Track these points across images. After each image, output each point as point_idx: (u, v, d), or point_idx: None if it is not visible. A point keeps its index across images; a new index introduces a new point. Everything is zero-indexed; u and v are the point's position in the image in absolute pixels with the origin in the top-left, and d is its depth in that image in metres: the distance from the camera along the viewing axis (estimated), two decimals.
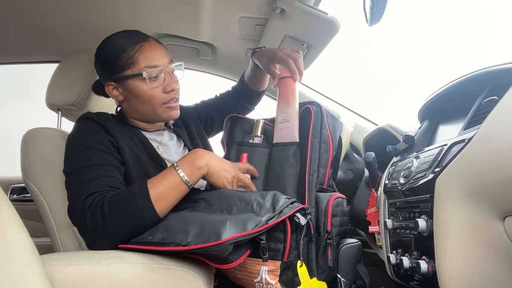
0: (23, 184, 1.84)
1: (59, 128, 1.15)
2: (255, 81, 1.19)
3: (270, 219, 0.71)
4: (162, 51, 0.96)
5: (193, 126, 1.17)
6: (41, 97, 1.12)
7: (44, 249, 0.66)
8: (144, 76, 0.91)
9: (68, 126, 1.15)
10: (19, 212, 0.48)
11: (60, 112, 1.14)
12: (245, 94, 1.23)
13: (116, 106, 1.06)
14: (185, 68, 1.02)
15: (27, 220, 1.65)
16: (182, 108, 1.17)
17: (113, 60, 0.94)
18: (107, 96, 1.00)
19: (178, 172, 0.81)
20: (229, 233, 0.66)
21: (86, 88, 1.07)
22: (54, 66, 1.14)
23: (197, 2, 1.12)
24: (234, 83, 1.29)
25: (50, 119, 1.17)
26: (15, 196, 1.91)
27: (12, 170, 1.95)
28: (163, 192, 0.78)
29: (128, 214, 0.75)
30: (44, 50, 1.47)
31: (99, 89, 1.03)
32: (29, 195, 1.84)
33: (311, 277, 0.77)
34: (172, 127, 1.10)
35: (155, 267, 0.66)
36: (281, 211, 0.73)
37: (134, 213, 0.75)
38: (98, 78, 1.05)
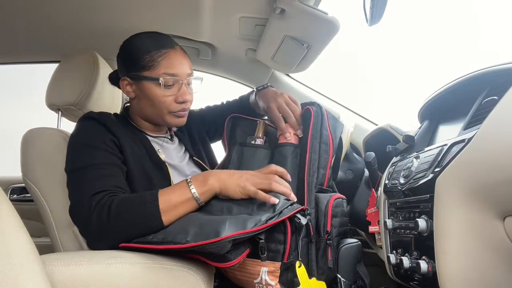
0: (23, 184, 1.83)
1: (59, 128, 1.15)
2: (258, 108, 1.18)
3: (270, 219, 0.71)
4: (185, 61, 0.97)
5: (195, 130, 1.17)
6: (41, 97, 1.13)
7: (44, 249, 0.66)
8: (160, 82, 0.92)
9: (68, 126, 1.15)
10: (19, 212, 0.48)
11: (60, 112, 1.14)
12: (249, 110, 1.22)
13: (122, 104, 1.07)
14: None
15: (27, 220, 1.64)
16: (193, 116, 1.18)
17: (135, 57, 0.95)
18: (119, 87, 1.02)
19: (190, 188, 0.79)
20: (228, 231, 0.66)
21: (86, 88, 1.07)
22: (54, 66, 1.14)
23: (197, 2, 1.12)
24: (234, 83, 1.29)
25: (50, 119, 1.17)
26: (15, 196, 1.91)
27: (12, 170, 1.95)
28: (173, 204, 0.78)
29: (134, 218, 0.75)
30: (44, 50, 1.47)
31: (114, 80, 1.05)
32: (29, 195, 1.84)
33: (310, 277, 0.77)
34: (173, 134, 1.11)
35: (155, 267, 0.66)
36: (281, 211, 0.73)
37: (141, 218, 0.75)
38: (99, 75, 1.07)
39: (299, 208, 0.76)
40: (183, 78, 0.95)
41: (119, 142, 0.91)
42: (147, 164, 0.94)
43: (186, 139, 1.12)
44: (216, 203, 0.80)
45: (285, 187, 0.80)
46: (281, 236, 0.75)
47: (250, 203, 0.77)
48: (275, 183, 0.79)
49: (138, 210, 0.76)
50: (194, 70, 1.01)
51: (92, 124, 0.92)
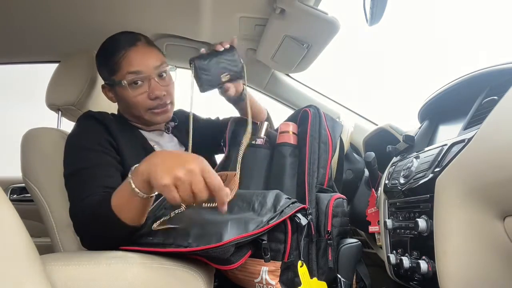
0: (23, 184, 1.83)
1: (59, 128, 1.15)
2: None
3: (271, 219, 0.71)
4: (149, 55, 0.94)
5: (197, 133, 1.15)
6: (41, 97, 1.13)
7: (44, 249, 0.66)
8: (123, 83, 0.92)
9: (68, 126, 1.15)
10: (19, 212, 0.48)
11: (60, 112, 1.14)
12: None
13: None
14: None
15: (27, 220, 1.64)
16: (195, 118, 1.13)
17: (103, 65, 0.97)
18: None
19: (130, 181, 0.65)
20: (230, 234, 0.66)
21: (86, 88, 1.07)
22: (54, 66, 1.14)
23: (197, 2, 1.12)
24: None
25: (51, 119, 1.17)
26: (15, 196, 1.90)
27: (12, 170, 1.95)
28: (120, 201, 0.69)
29: (101, 221, 0.72)
30: (44, 50, 1.47)
31: None
32: (29, 195, 1.82)
33: (311, 277, 0.77)
34: (170, 128, 1.10)
35: (155, 267, 0.66)
36: (282, 211, 0.73)
37: (104, 221, 0.71)
38: (99, 78, 1.06)
39: (300, 207, 0.76)
40: (150, 72, 0.92)
41: (116, 142, 0.90)
42: None
43: (183, 137, 1.10)
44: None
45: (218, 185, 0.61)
46: (281, 235, 0.75)
47: (251, 201, 0.77)
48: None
49: (99, 213, 0.72)
50: None
51: (90, 124, 0.92)
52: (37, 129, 1.01)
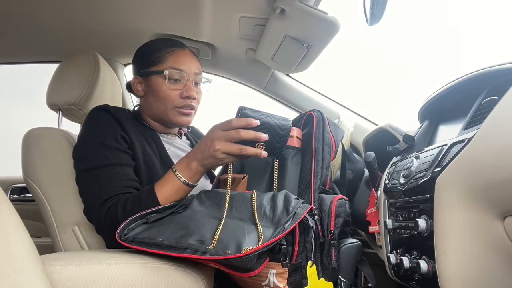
0: (23, 184, 1.84)
1: (59, 128, 1.15)
2: None
3: (286, 222, 0.70)
4: (193, 61, 1.01)
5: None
6: (42, 97, 1.13)
7: (44, 249, 0.66)
8: (165, 73, 0.96)
9: (68, 126, 1.16)
10: (19, 212, 0.48)
11: (60, 112, 1.14)
12: None
13: (133, 106, 1.11)
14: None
15: (27, 220, 1.65)
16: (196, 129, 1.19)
17: (145, 56, 1.01)
18: (135, 93, 1.06)
19: (179, 178, 0.83)
20: (249, 243, 0.64)
21: (87, 88, 1.07)
22: (55, 66, 1.14)
23: (197, 2, 1.12)
24: (234, 83, 1.28)
25: (51, 119, 1.17)
26: (15, 196, 1.91)
27: (12, 170, 1.96)
28: (169, 195, 0.82)
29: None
30: (45, 50, 1.47)
31: (130, 87, 1.08)
32: (29, 195, 1.84)
33: (318, 277, 0.77)
34: (184, 134, 1.12)
35: (155, 267, 0.66)
36: (295, 212, 0.73)
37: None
38: (100, 75, 1.09)
39: (310, 207, 0.76)
40: (190, 75, 0.98)
41: (130, 139, 0.92)
42: (156, 162, 0.95)
43: (194, 141, 1.14)
44: (223, 202, 0.78)
45: (253, 133, 0.76)
46: (289, 237, 0.74)
47: (262, 206, 0.75)
48: (243, 134, 0.76)
49: (141, 209, 0.78)
50: None
51: (105, 118, 0.93)
52: (38, 129, 1.01)
